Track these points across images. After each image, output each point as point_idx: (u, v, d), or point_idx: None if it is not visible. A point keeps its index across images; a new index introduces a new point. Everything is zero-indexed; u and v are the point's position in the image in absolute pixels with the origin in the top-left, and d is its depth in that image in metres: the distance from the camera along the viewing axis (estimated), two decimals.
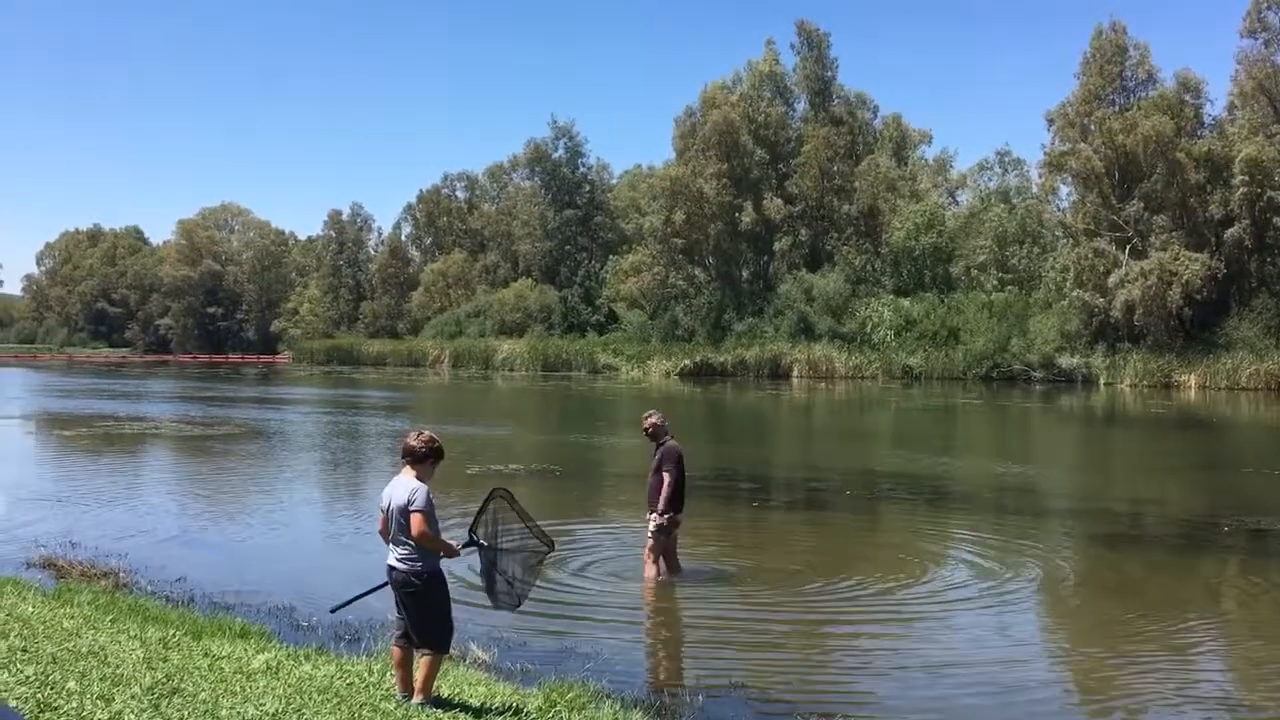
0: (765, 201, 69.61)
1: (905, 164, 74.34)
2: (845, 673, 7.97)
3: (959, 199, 77.37)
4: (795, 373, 61.26)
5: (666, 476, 9.99)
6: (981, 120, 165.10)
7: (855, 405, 43.77)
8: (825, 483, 19.02)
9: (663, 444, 10.21)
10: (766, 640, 8.56)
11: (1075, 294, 53.26)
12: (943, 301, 61.88)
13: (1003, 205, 65.65)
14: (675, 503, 10.09)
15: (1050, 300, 56.93)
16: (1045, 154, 58.40)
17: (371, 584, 7.29)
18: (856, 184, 68.84)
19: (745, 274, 72.71)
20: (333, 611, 7.83)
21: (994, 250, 62.70)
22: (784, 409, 41.76)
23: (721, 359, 63.96)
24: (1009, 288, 60.72)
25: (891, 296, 63.75)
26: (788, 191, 70.42)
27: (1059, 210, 60.87)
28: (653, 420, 10.39)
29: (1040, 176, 62.21)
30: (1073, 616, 9.80)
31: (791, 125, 72.63)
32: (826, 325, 63.03)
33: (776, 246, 70.77)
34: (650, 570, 10.15)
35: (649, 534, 10.17)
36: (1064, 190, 60.44)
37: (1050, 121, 57.92)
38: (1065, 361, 53.25)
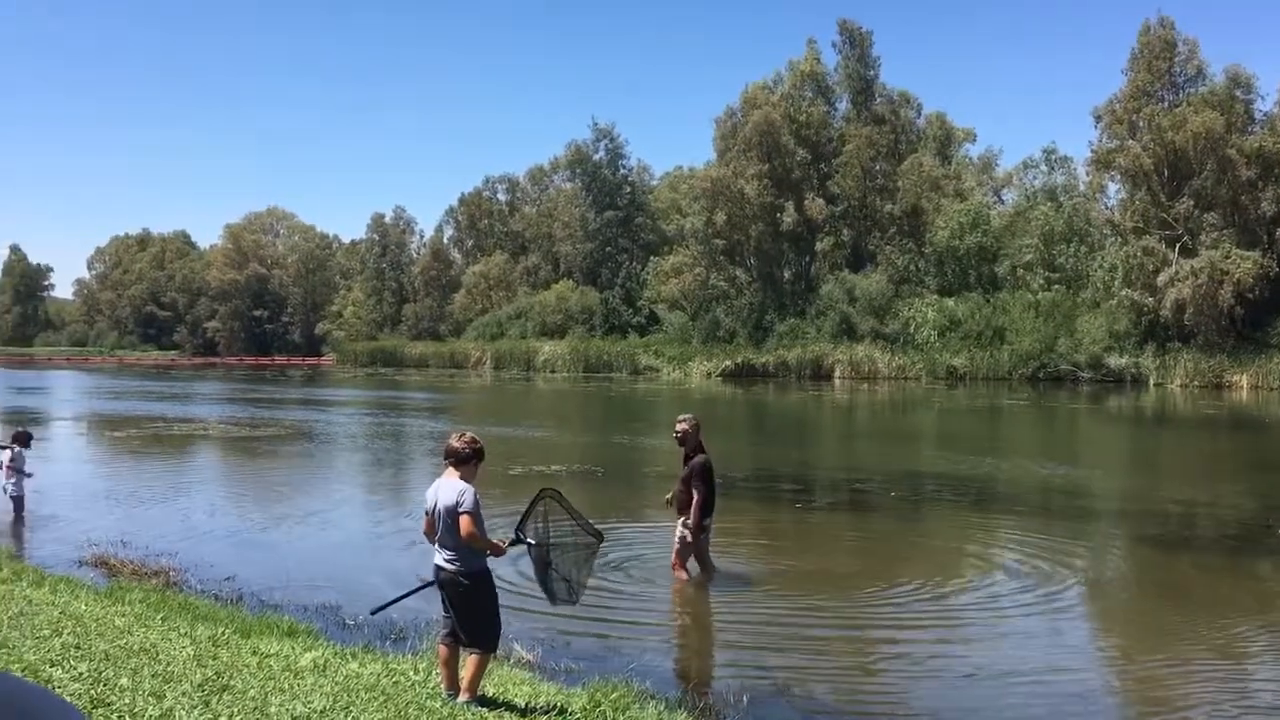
0: (807, 202, 69.24)
1: (949, 163, 73.62)
2: (892, 677, 7.88)
3: (1004, 198, 76.49)
4: (837, 374, 60.90)
5: (696, 495, 10.10)
6: (1027, 118, 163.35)
7: (899, 406, 43.42)
8: (869, 484, 18.87)
9: (693, 459, 10.30)
10: (810, 643, 8.48)
11: (1124, 293, 52.47)
12: (988, 301, 61.21)
13: (1049, 204, 64.77)
14: (708, 511, 10.24)
15: (1098, 299, 56.11)
16: (1092, 151, 57.60)
17: (411, 585, 7.39)
18: (899, 183, 68.26)
19: (787, 274, 72.40)
20: (373, 613, 7.96)
21: (1040, 249, 61.89)
22: (826, 410, 41.51)
23: (763, 360, 63.73)
24: (1056, 287, 59.89)
25: (935, 296, 63.19)
26: (829, 191, 70.00)
27: (1107, 208, 59.99)
28: (683, 426, 10.47)
29: (1087, 174, 61.35)
30: (1124, 621, 9.63)
31: (833, 124, 72.18)
32: (869, 326, 62.60)
33: (818, 247, 70.41)
34: (680, 574, 10.22)
35: (676, 541, 10.26)
36: (1112, 188, 59.62)
37: (1097, 118, 57.14)
38: (1114, 361, 52.51)
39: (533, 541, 6.59)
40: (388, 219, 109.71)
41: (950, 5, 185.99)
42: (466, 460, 6.10)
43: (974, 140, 78.65)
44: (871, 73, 71.90)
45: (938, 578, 10.57)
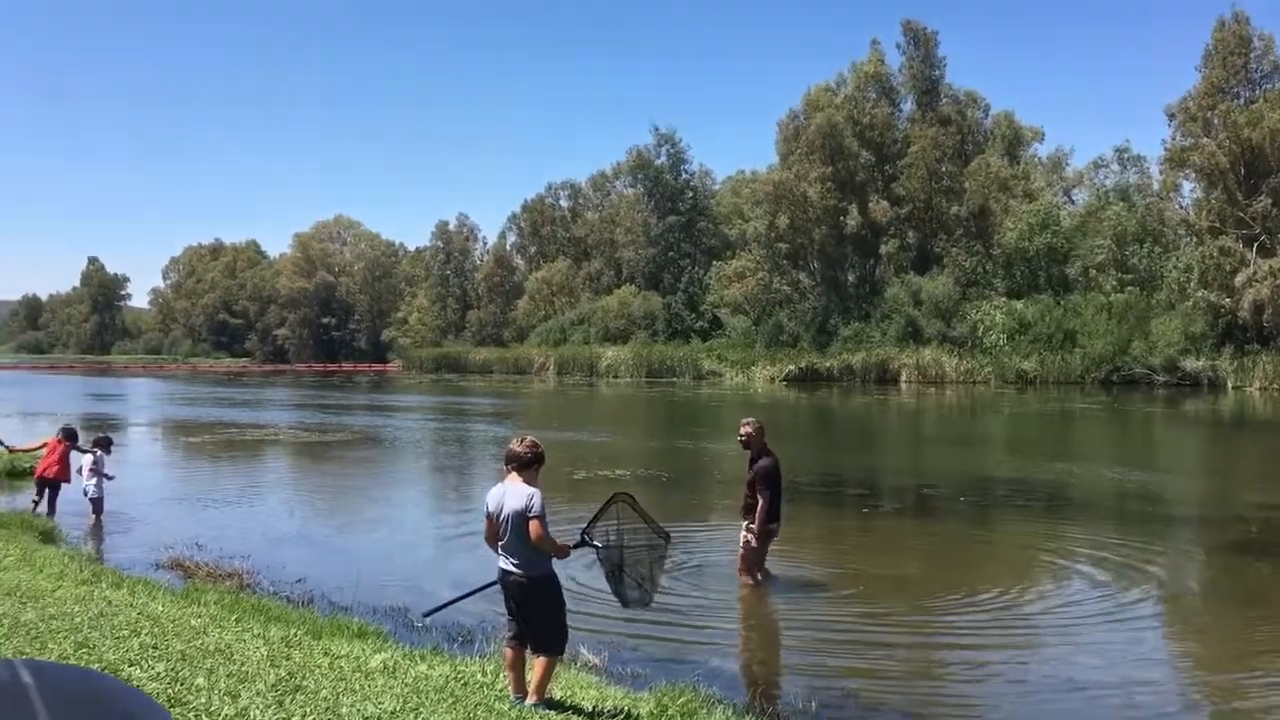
0: (871, 204, 68.62)
1: (1017, 163, 72.39)
2: (962, 686, 7.73)
3: (1075, 198, 75.02)
4: (903, 378, 60.21)
5: (761, 500, 9.98)
6: (1098, 116, 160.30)
7: (967, 410, 42.78)
8: (937, 489, 18.59)
9: (757, 462, 10.18)
10: (878, 650, 8.36)
11: (1200, 294, 51.17)
12: (1058, 303, 60.04)
13: (1121, 203, 63.39)
14: (773, 515, 10.11)
15: (1173, 301, 54.75)
16: (1166, 150, 56.36)
17: (468, 588, 7.46)
18: (966, 184, 67.29)
19: (851, 278, 71.79)
20: (426, 616, 8.08)
21: (1113, 250, 60.55)
22: (892, 414, 41.05)
23: (827, 364, 63.24)
24: (1129, 288, 58.53)
25: (1004, 299, 62.17)
26: (894, 193, 69.28)
27: (1181, 208, 58.59)
28: (747, 430, 10.35)
29: (1161, 173, 60.04)
30: (1204, 631, 9.33)
31: (898, 126, 71.45)
32: (936, 329, 61.79)
33: (883, 249, 69.71)
34: (745, 579, 10.13)
35: (741, 546, 10.17)
36: (1186, 187, 58.22)
37: (1171, 116, 55.87)
38: (1190, 364, 51.19)
39: (599, 544, 6.61)
40: (451, 226, 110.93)
41: (1019, 4, 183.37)
42: (528, 464, 6.11)
43: (1042, 139, 77.25)
44: (937, 73, 71.02)
45: (1009, 585, 10.36)
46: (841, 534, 13.90)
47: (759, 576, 10.13)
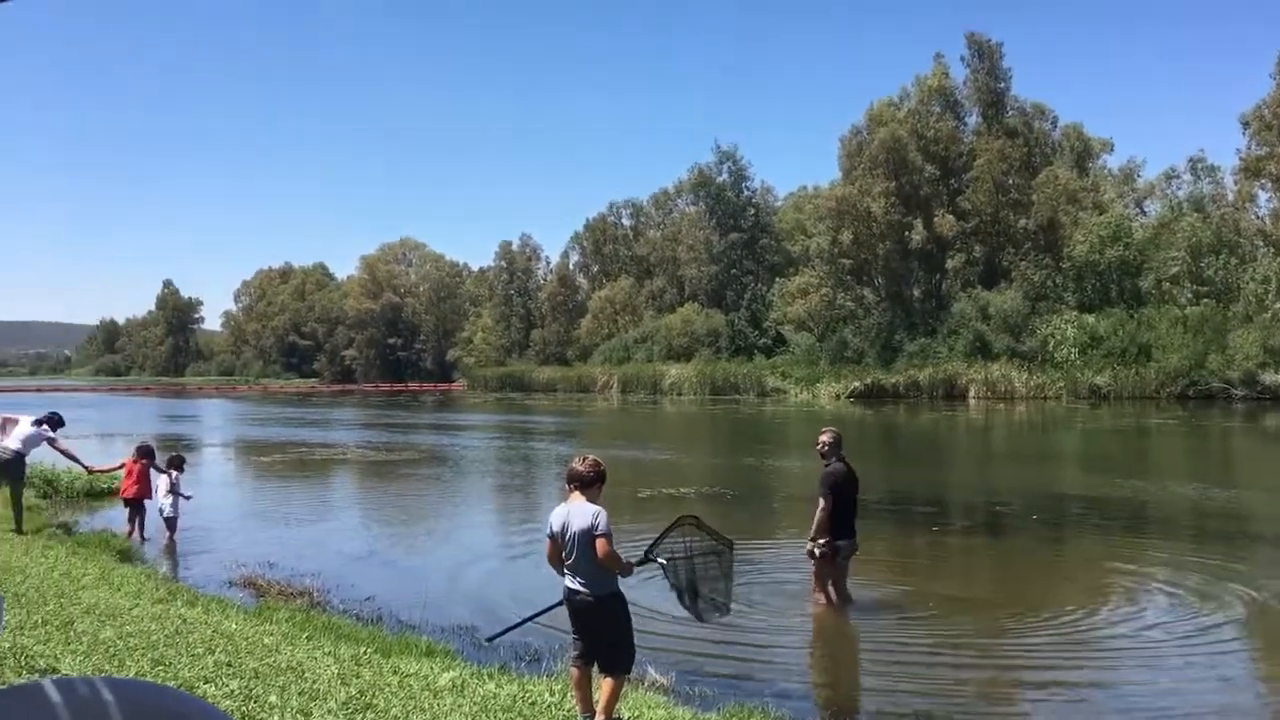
0: (936, 218, 67.90)
1: (1087, 175, 71.18)
2: (1038, 712, 7.52)
3: (1147, 209, 73.45)
4: (972, 393, 59.32)
5: (821, 502, 9.69)
6: (1170, 127, 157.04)
7: (1038, 426, 41.98)
8: (1008, 506, 18.22)
9: (826, 466, 9.93)
10: (951, 672, 8.17)
11: (1279, 306, 49.70)
12: (1132, 317, 58.70)
13: (1196, 214, 61.90)
14: (834, 529, 9.69)
15: (1251, 313, 53.26)
16: (1241, 159, 54.97)
17: (533, 608, 7.49)
18: (1034, 197, 66.26)
19: (916, 293, 71.02)
20: (489, 640, 8.10)
21: (1187, 262, 59.11)
22: (961, 430, 40.43)
23: (893, 380, 62.55)
24: (1205, 301, 57.09)
25: (1075, 313, 60.99)
26: (960, 207, 68.47)
27: (1258, 218, 57.06)
28: (824, 439, 10.08)
29: (1236, 183, 58.50)
30: None
31: (963, 139, 70.66)
32: (1004, 344, 60.82)
33: (949, 264, 68.89)
34: (818, 597, 9.87)
35: (811, 561, 9.93)
36: (1263, 197, 56.71)
37: (1245, 124, 54.50)
38: (1270, 378, 49.69)
39: (663, 561, 6.59)
40: (515, 246, 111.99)
41: (1086, 15, 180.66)
42: (591, 483, 6.09)
43: (1112, 151, 76.04)
44: (1002, 85, 70.16)
45: (1085, 605, 10.09)
46: (911, 553, 13.68)
47: (832, 595, 9.86)
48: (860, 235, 68.97)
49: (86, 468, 14.91)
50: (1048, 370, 58.05)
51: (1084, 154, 73.57)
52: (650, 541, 6.88)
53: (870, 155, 68.36)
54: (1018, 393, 57.85)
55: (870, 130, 69.92)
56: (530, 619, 7.52)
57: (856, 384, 62.93)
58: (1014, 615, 9.78)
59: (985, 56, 69.89)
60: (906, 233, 67.83)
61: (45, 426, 13.47)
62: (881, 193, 67.27)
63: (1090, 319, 59.51)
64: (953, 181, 69.85)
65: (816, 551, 9.77)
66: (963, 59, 70.88)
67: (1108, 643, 8.98)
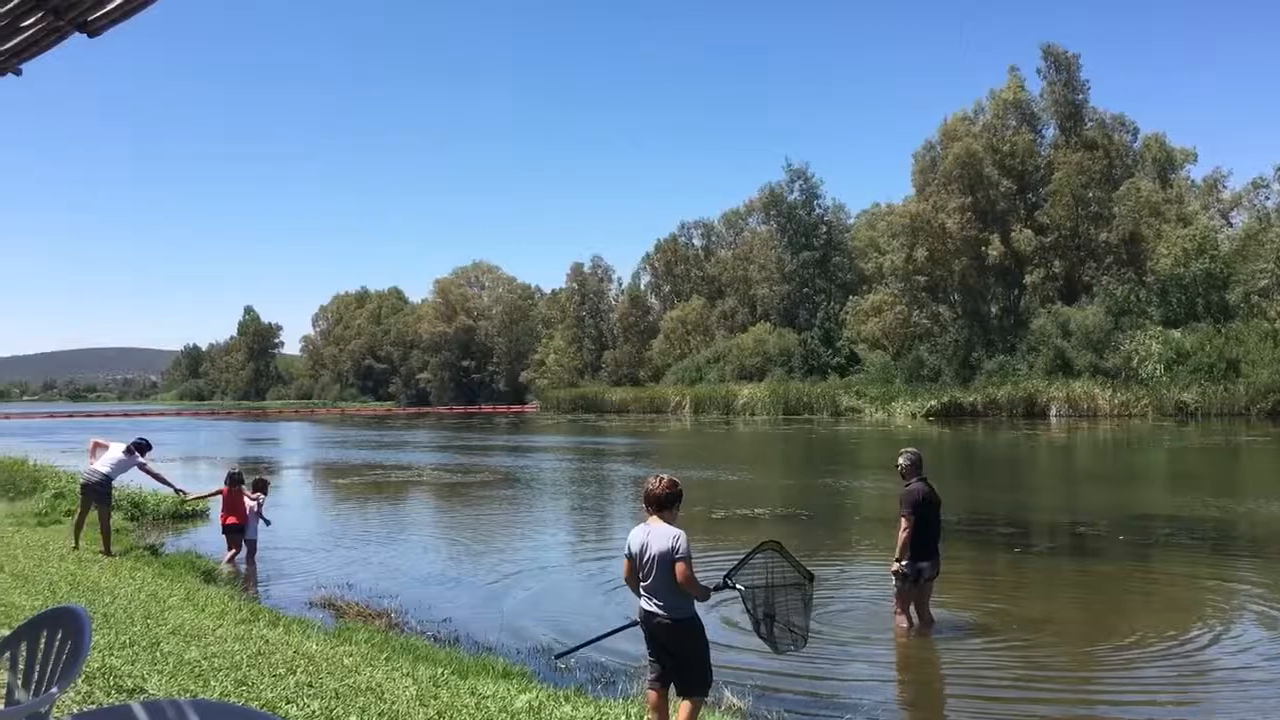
0: (1014, 233, 66.81)
1: (1170, 186, 69.41)
2: None
3: (1234, 220, 71.32)
4: (1053, 412, 58.08)
5: (903, 523, 9.47)
6: (1255, 136, 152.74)
7: (1123, 445, 40.86)
8: (1093, 527, 17.71)
9: (906, 486, 9.71)
10: (1035, 697, 7.92)
11: None
12: (1219, 331, 56.95)
13: None
14: (916, 551, 9.46)
15: None
16: None
17: (606, 629, 7.44)
18: (1115, 210, 64.85)
19: (994, 310, 69.86)
20: (558, 657, 8.10)
21: (1276, 274, 57.24)
22: (1043, 449, 39.51)
23: (971, 399, 61.53)
24: None
25: (1159, 328, 59.39)
26: (1038, 222, 67.28)
27: None
28: (901, 460, 9.86)
29: None
30: None
31: (1040, 153, 69.53)
32: (1086, 360, 59.45)
33: (1027, 280, 67.65)
34: (900, 620, 9.65)
35: (894, 583, 9.71)
36: None
37: None
38: None
39: (741, 587, 6.50)
40: (586, 268, 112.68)
41: (1166, 24, 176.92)
42: (668, 505, 6.02)
43: (1195, 161, 73.91)
44: (1080, 97, 68.98)
45: (1174, 630, 9.72)
46: (994, 574, 13.35)
47: (914, 618, 9.63)
48: (935, 252, 68.11)
49: (178, 490, 15.24)
50: (1132, 387, 56.61)
51: (1166, 165, 71.79)
52: (729, 566, 6.80)
53: (945, 170, 67.60)
54: (1101, 410, 56.49)
55: (944, 145, 69.16)
56: (601, 638, 7.50)
57: (933, 403, 62.02)
58: (1102, 641, 9.47)
59: (1063, 68, 68.83)
60: (983, 248, 66.81)
61: (136, 453, 13.83)
62: (956, 208, 66.41)
63: (1176, 334, 57.91)
64: (1030, 196, 68.73)
65: (899, 573, 9.56)
66: (1039, 71, 69.93)
67: (1200, 667, 8.64)
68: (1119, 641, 9.38)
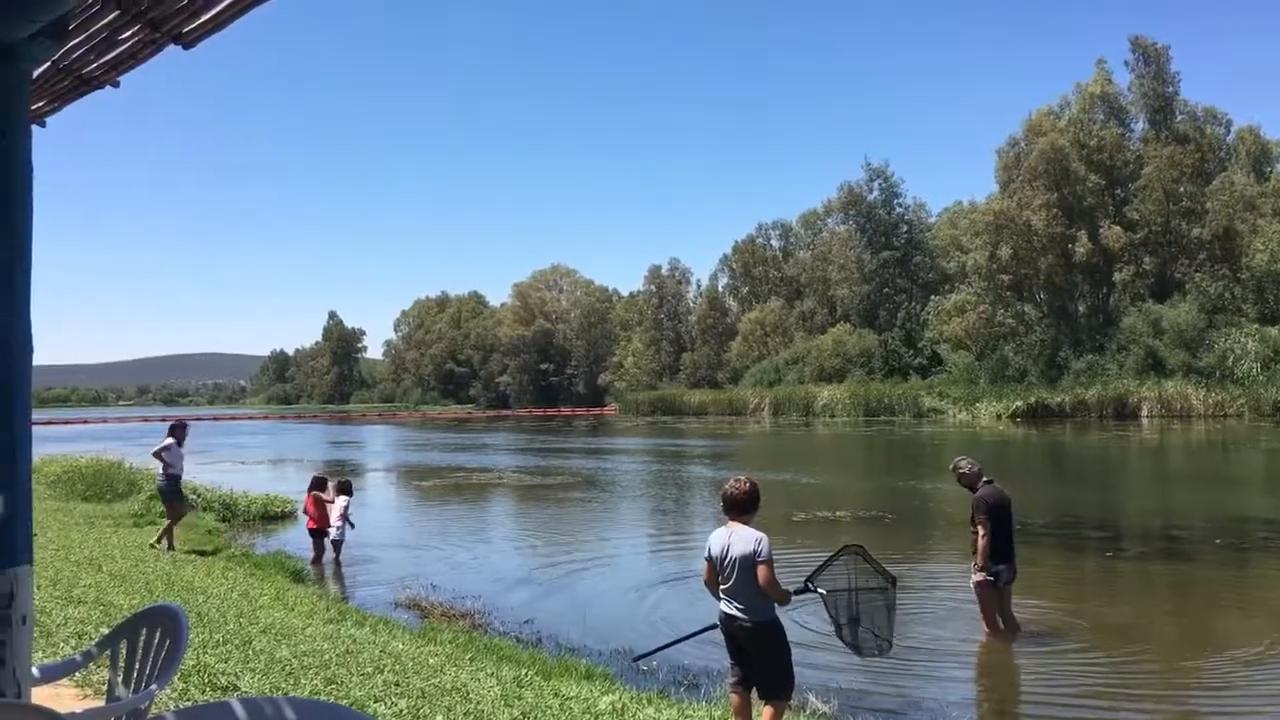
0: (1102, 230, 65.17)
1: (1266, 180, 67.09)
2: None
3: None
4: (1144, 412, 56.50)
5: (981, 529, 9.28)
6: None
7: (1218, 446, 39.55)
8: (1188, 530, 17.18)
9: (976, 491, 9.50)
10: (1129, 706, 7.69)
11: None
12: None
13: None
14: (996, 555, 9.26)
15: None
16: None
17: (686, 631, 7.41)
18: (1208, 205, 62.88)
19: (1081, 308, 68.21)
20: (636, 659, 8.09)
21: None
22: (1134, 451, 38.44)
23: (1058, 399, 60.17)
24: None
25: (1256, 325, 57.42)
26: (1127, 218, 65.51)
27: None
28: (959, 470, 9.69)
29: None
30: None
31: (1129, 147, 67.69)
32: (1179, 360, 57.72)
33: (1116, 277, 65.93)
34: (990, 627, 9.45)
35: (976, 591, 9.50)
36: None
37: None
38: None
39: (823, 592, 6.43)
40: (664, 270, 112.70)
41: (1258, 14, 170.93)
42: (747, 507, 5.97)
43: None
44: (1170, 89, 67.06)
45: (1271, 639, 9.33)
46: (1083, 579, 13.03)
47: (999, 624, 9.45)
48: (1020, 250, 66.74)
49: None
50: (1227, 387, 54.82)
51: (1261, 158, 69.43)
52: (809, 568, 6.73)
53: (1029, 166, 66.23)
54: (1195, 411, 54.82)
55: (1029, 141, 67.78)
56: (681, 640, 7.49)
57: (1019, 403, 60.78)
58: (1195, 646, 9.17)
59: (1152, 60, 67.01)
60: (1070, 245, 65.29)
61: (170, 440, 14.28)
62: (1042, 205, 65.01)
63: (1273, 332, 55.95)
64: (1119, 191, 66.99)
65: (976, 581, 9.40)
66: (1127, 64, 68.15)
67: None
68: (1215, 653, 9.04)
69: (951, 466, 9.92)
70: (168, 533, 13.82)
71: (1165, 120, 66.88)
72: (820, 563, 6.61)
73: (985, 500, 9.34)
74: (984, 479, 9.54)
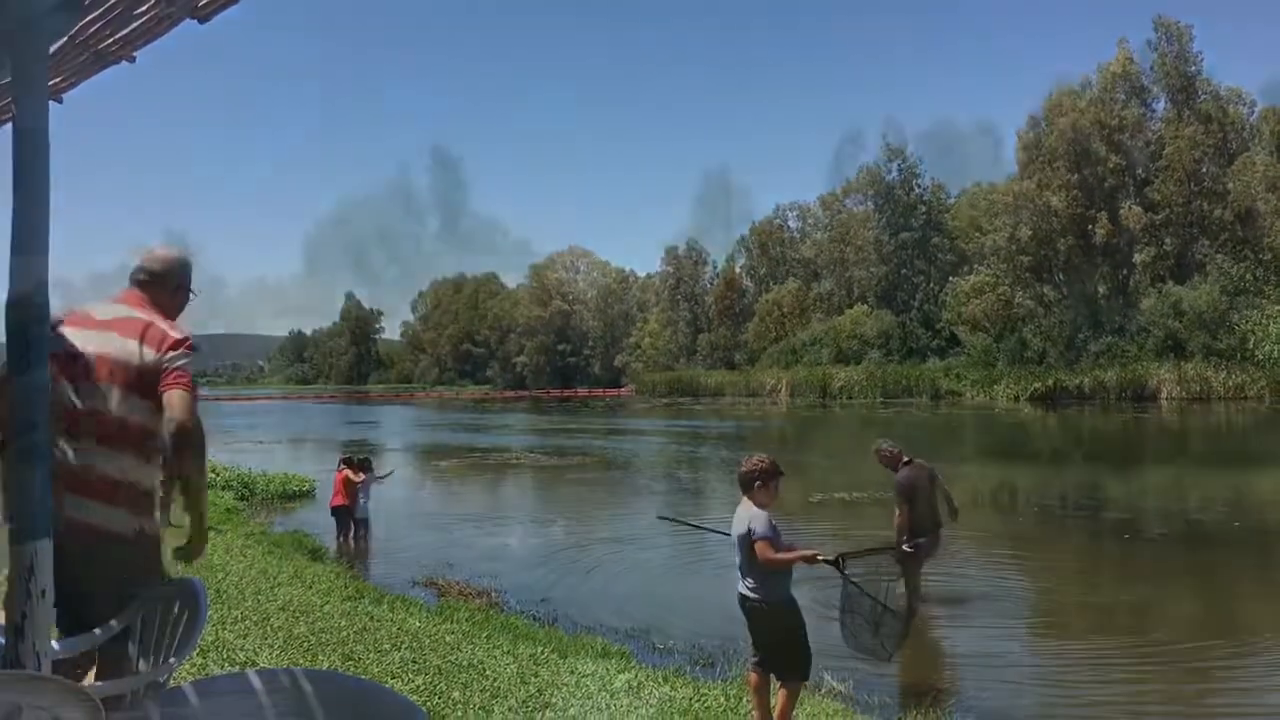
0: (1122, 211, 64.57)
1: None
2: None
3: None
4: (1164, 394, 56.12)
5: (899, 510, 9.69)
6: None
7: (1239, 429, 39.30)
8: (1209, 514, 17.09)
9: (897, 473, 9.86)
10: (1150, 690, 7.66)
11: None
12: None
13: None
14: (917, 530, 9.60)
15: None
16: None
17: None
18: (1230, 185, 62.20)
19: (1101, 289, 67.65)
20: (660, 518, 8.61)
21: None
22: (1153, 433, 38.24)
23: (1076, 381, 59.82)
24: None
25: (1278, 308, 56.89)
26: (1148, 199, 64.89)
27: None
28: (880, 452, 10.21)
29: None
30: None
31: (1150, 128, 66.98)
32: (1199, 342, 57.26)
33: (1137, 259, 65.35)
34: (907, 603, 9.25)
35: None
36: None
37: None
38: None
39: (847, 574, 6.34)
40: (681, 251, 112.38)
41: None
42: (751, 484, 5.94)
43: None
44: (1193, 69, 66.22)
45: None
46: (1099, 562, 13.01)
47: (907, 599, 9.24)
48: (1039, 231, 66.27)
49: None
50: (1248, 369, 54.37)
51: None
52: (850, 549, 6.63)
53: (1050, 147, 65.66)
54: (1215, 393, 54.42)
55: (1049, 121, 67.16)
56: (705, 530, 8.63)
57: (1037, 385, 60.50)
58: (1220, 635, 9.11)
59: (1175, 40, 66.19)
60: (1090, 226, 64.76)
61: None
62: (1062, 185, 64.48)
63: None
64: (1140, 172, 66.33)
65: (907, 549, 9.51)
66: (1149, 43, 67.33)
67: None
68: (1233, 636, 9.02)
69: (874, 448, 10.18)
70: None
71: (1188, 100, 66.11)
72: (866, 549, 6.54)
73: (901, 484, 9.78)
74: (904, 459, 9.95)
